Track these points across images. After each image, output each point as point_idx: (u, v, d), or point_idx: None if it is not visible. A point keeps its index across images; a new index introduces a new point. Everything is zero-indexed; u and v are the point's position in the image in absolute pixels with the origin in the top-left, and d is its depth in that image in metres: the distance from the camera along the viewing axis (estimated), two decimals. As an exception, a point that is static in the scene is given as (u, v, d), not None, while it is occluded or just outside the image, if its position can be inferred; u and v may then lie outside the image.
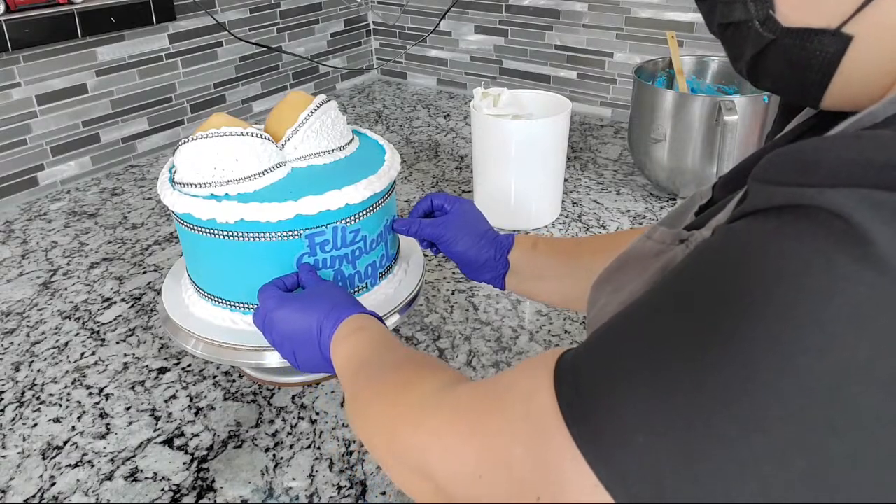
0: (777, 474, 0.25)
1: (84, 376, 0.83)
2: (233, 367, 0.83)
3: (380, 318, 0.60)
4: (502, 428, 0.32)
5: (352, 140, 0.79)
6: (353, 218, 0.70)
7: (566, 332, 0.88)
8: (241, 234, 0.68)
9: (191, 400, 0.78)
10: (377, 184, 0.71)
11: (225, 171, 0.68)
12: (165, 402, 0.78)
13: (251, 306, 0.73)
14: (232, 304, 0.73)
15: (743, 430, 0.25)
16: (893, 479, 0.25)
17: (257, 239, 0.68)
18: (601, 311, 0.45)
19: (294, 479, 0.68)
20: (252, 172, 0.69)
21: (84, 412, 0.77)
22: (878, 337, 0.25)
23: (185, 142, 0.69)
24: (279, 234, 0.68)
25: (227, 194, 0.68)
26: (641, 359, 0.28)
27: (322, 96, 0.76)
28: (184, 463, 0.70)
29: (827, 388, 0.25)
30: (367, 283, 0.76)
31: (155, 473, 0.69)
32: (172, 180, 0.72)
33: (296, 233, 0.68)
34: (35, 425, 0.76)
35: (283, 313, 0.61)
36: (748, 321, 0.26)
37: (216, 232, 0.69)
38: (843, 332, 0.25)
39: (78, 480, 0.69)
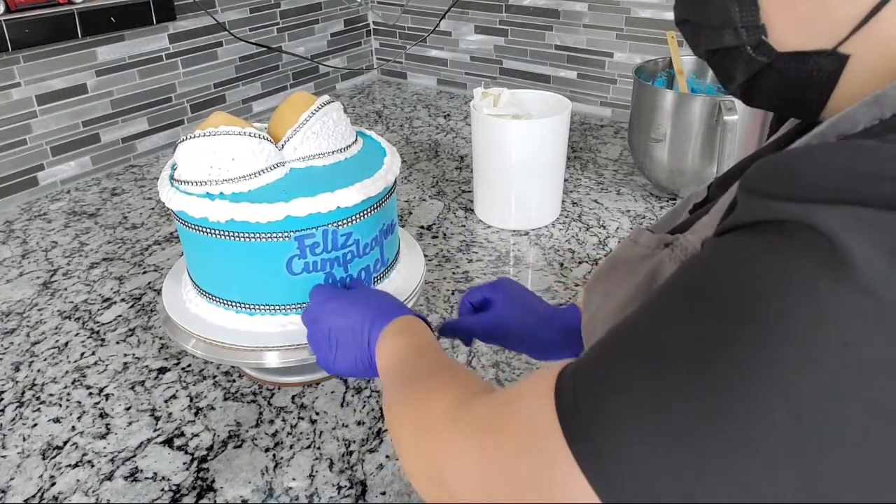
0: (769, 493, 0.25)
1: (84, 376, 0.83)
2: (233, 367, 0.83)
3: (426, 322, 0.59)
4: (508, 445, 0.32)
5: (354, 142, 0.78)
6: (344, 221, 0.70)
7: (566, 332, 0.88)
8: (231, 233, 0.68)
9: (191, 400, 0.78)
10: (371, 188, 0.70)
11: (221, 170, 0.68)
12: (165, 402, 0.78)
13: (246, 306, 0.73)
14: (227, 302, 0.73)
15: (734, 448, 0.25)
16: (881, 497, 0.25)
17: (247, 239, 0.68)
18: (593, 315, 0.45)
19: (294, 479, 0.68)
20: (248, 172, 0.69)
21: (84, 412, 0.77)
22: (861, 359, 0.25)
23: (183, 140, 0.69)
24: (269, 235, 0.67)
25: (221, 193, 0.68)
26: (634, 376, 0.28)
27: (325, 97, 0.75)
28: (184, 463, 0.70)
29: (812, 408, 0.25)
30: None
31: (155, 473, 0.69)
32: (172, 178, 0.72)
33: (285, 234, 0.67)
34: (35, 425, 0.76)
35: (335, 305, 0.62)
36: (735, 340, 0.26)
37: (209, 230, 0.69)
38: (826, 353, 0.25)
39: (78, 480, 0.69)
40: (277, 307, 0.72)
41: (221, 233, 0.68)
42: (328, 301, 0.63)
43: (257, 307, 0.73)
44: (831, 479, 0.25)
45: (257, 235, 0.67)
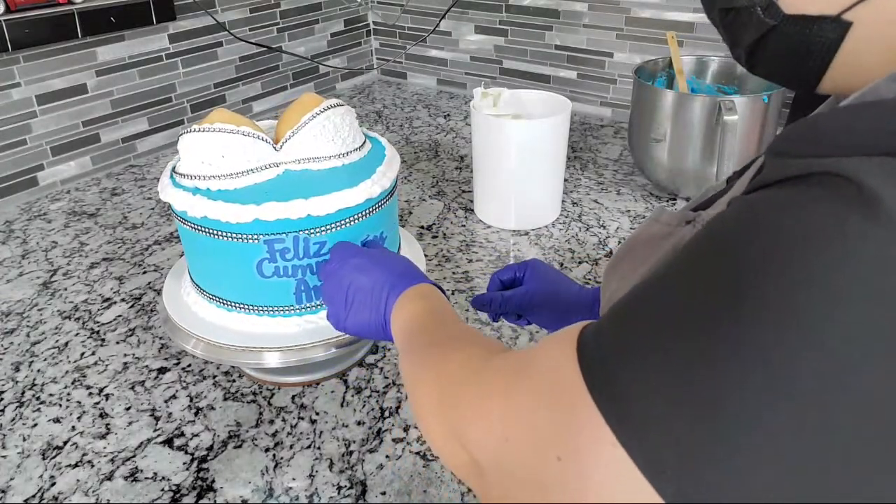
0: (789, 447, 0.25)
1: (84, 376, 0.83)
2: (233, 367, 0.83)
3: (442, 291, 0.61)
4: (528, 393, 0.33)
5: (360, 147, 0.76)
6: (318, 230, 0.68)
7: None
8: (207, 230, 0.68)
9: (191, 400, 0.78)
10: (350, 198, 0.68)
11: (211, 167, 0.69)
12: (165, 402, 0.78)
13: (226, 302, 0.73)
14: (224, 301, 0.73)
15: (756, 401, 0.25)
16: None
17: (220, 237, 0.68)
18: (613, 295, 0.46)
19: (294, 479, 0.68)
20: (237, 170, 0.69)
21: (84, 412, 0.77)
22: (889, 298, 0.25)
23: (183, 134, 0.70)
24: (238, 236, 0.67)
25: (208, 189, 0.69)
26: (658, 329, 0.29)
27: (333, 101, 0.73)
28: (184, 463, 0.70)
29: (842, 356, 0.25)
30: None
31: (155, 473, 0.69)
32: (174, 170, 0.73)
33: (254, 237, 0.67)
34: (35, 425, 0.76)
35: (358, 262, 0.63)
36: (762, 291, 0.26)
37: (190, 224, 0.70)
38: (856, 297, 0.25)
39: (78, 480, 0.69)
40: (252, 307, 0.72)
41: (199, 228, 0.69)
42: (351, 257, 0.64)
43: (235, 304, 0.73)
44: (859, 433, 0.25)
45: (228, 235, 0.68)
